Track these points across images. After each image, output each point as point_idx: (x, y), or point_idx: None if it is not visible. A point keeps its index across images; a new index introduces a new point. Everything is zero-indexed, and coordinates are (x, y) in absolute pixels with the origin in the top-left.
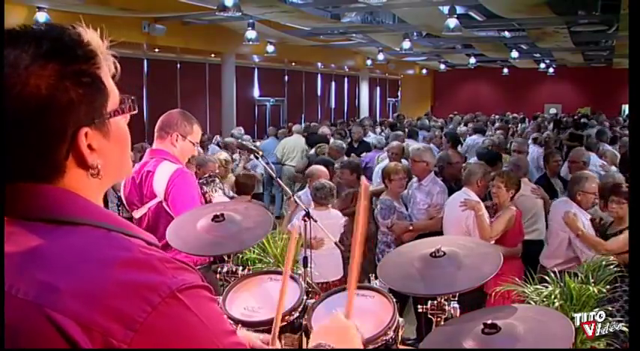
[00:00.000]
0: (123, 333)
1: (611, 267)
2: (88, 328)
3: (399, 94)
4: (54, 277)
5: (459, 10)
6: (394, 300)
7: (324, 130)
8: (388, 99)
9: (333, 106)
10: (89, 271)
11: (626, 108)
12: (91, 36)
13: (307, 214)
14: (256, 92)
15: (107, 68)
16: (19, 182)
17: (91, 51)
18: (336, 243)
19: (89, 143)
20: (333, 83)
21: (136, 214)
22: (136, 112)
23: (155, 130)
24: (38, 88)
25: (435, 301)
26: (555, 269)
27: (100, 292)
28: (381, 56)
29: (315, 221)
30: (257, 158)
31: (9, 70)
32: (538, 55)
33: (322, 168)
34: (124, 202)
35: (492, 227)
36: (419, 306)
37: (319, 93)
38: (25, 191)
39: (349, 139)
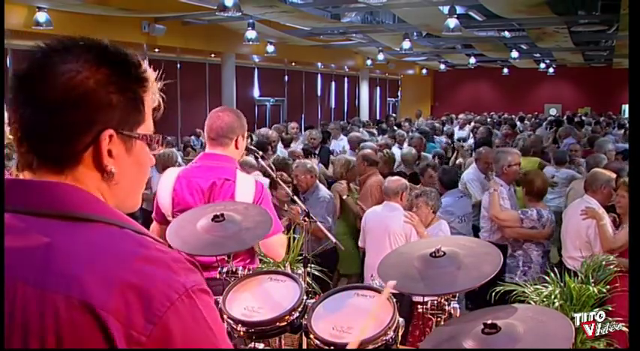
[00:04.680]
0: (143, 325)
1: (611, 267)
2: (114, 319)
3: (399, 94)
4: (79, 270)
5: (459, 10)
6: (394, 300)
7: (271, 134)
8: (388, 99)
9: (333, 106)
10: (111, 264)
11: (626, 108)
12: (150, 71)
13: (307, 215)
14: (256, 92)
15: (152, 100)
16: (35, 165)
17: (145, 77)
18: (336, 242)
19: (110, 148)
20: (333, 83)
21: None
22: (161, 150)
23: (212, 138)
24: (88, 80)
25: (435, 301)
26: None
27: (123, 284)
28: (381, 56)
29: (315, 221)
30: (257, 158)
31: (71, 57)
32: (538, 55)
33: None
34: (168, 205)
35: (616, 238)
36: (419, 306)
37: (319, 93)
38: (39, 188)
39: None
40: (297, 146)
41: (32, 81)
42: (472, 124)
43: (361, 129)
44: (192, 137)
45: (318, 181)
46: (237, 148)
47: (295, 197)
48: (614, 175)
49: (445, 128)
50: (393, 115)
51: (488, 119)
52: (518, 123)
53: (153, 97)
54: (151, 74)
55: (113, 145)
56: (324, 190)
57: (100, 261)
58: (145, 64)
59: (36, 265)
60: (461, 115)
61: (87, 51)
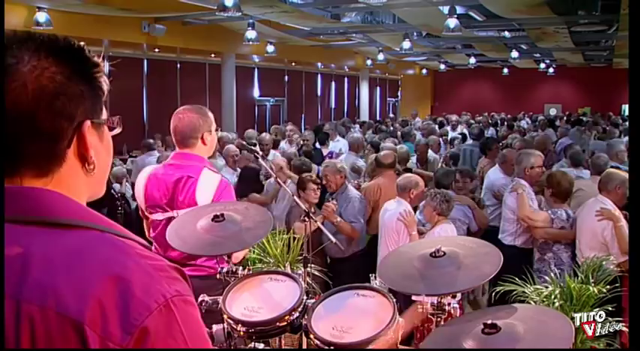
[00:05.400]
0: (120, 336)
1: (612, 267)
2: (91, 329)
3: (399, 94)
4: (55, 280)
5: (459, 10)
6: (394, 300)
7: (264, 137)
8: (388, 99)
9: (333, 106)
10: (88, 273)
11: (626, 108)
12: (91, 52)
13: (307, 215)
14: (256, 92)
15: (104, 83)
16: (20, 172)
17: (97, 61)
18: (336, 243)
19: (89, 139)
20: (333, 83)
21: (159, 217)
22: (121, 130)
23: (178, 141)
24: (56, 75)
25: (435, 301)
26: None
27: (100, 293)
28: (381, 56)
29: (315, 221)
30: (257, 158)
31: (29, 55)
32: (538, 55)
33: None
34: (141, 201)
35: None
36: (419, 306)
37: (319, 93)
38: (17, 195)
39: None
40: (292, 148)
41: None
42: (465, 124)
43: (352, 129)
44: None
45: (347, 182)
46: (204, 144)
47: (296, 197)
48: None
49: (442, 129)
50: (391, 116)
51: (492, 119)
52: (515, 123)
53: (104, 80)
54: (97, 57)
55: (90, 136)
56: (353, 191)
57: (76, 270)
58: (86, 47)
59: (13, 276)
60: (453, 117)
61: (40, 46)
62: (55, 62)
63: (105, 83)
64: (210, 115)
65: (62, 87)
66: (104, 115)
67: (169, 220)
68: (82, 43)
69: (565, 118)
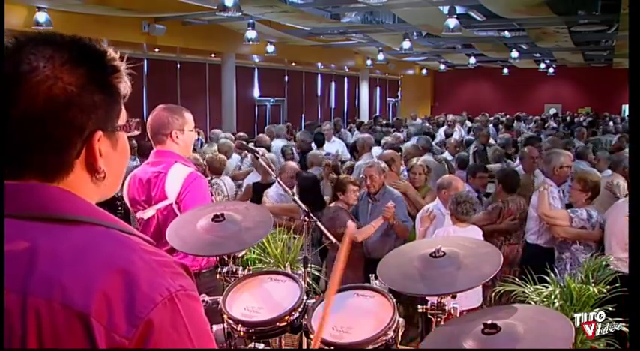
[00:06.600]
0: (126, 328)
1: (611, 267)
2: (97, 321)
3: (399, 94)
4: (61, 273)
5: (459, 10)
6: (394, 300)
7: (260, 138)
8: (388, 99)
9: (333, 106)
10: (94, 267)
11: (626, 108)
12: (114, 54)
13: (307, 215)
14: (256, 92)
15: (124, 87)
16: (25, 178)
17: (116, 66)
18: (335, 242)
19: (99, 148)
20: (333, 83)
21: (142, 215)
22: (139, 133)
23: (150, 137)
24: (69, 84)
25: (435, 301)
26: None
27: (105, 286)
28: (381, 56)
29: (315, 221)
30: (257, 158)
31: (44, 63)
32: (538, 55)
33: (457, 178)
34: (127, 201)
35: None
36: (419, 306)
37: (319, 93)
38: (25, 191)
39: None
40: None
41: (5, 95)
42: (460, 124)
43: (343, 130)
44: None
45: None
46: (175, 142)
47: (296, 198)
48: None
49: (446, 130)
50: (377, 115)
51: (495, 119)
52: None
53: (125, 84)
54: (119, 61)
55: (102, 144)
56: (394, 190)
57: (82, 264)
58: (111, 51)
59: (19, 271)
60: (450, 116)
61: (57, 51)
62: (70, 70)
63: (124, 87)
64: (187, 115)
65: (75, 98)
66: (122, 119)
67: (154, 218)
68: (104, 48)
69: (553, 118)
